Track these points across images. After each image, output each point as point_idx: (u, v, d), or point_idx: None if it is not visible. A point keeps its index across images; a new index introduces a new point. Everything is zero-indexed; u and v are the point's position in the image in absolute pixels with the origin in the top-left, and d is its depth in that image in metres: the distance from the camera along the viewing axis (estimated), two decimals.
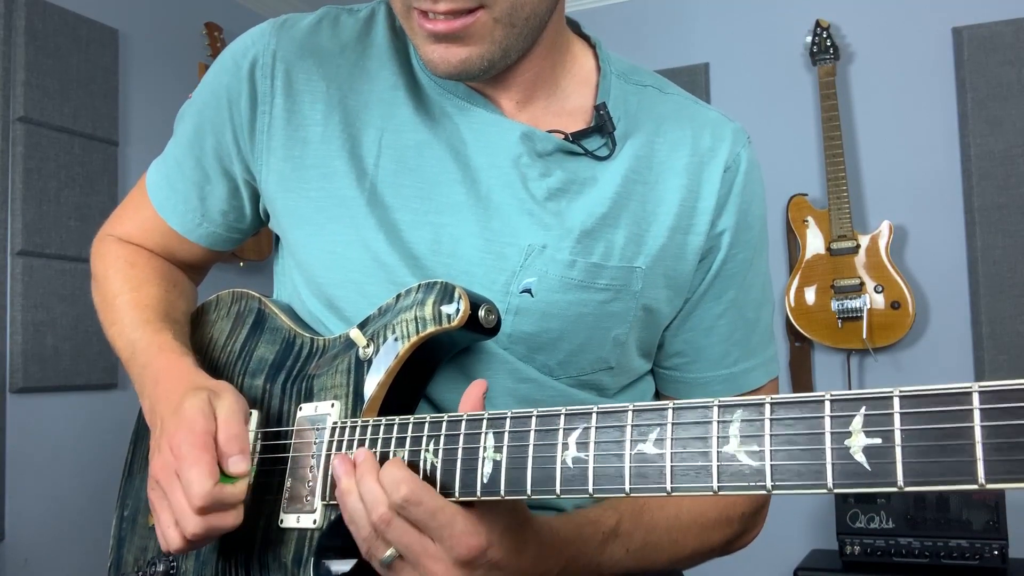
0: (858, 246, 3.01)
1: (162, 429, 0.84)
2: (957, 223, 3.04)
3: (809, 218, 3.10)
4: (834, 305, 2.98)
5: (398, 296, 0.85)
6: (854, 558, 2.66)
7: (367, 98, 0.93)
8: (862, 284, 2.97)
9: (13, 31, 2.63)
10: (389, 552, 0.72)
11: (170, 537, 0.81)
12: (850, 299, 2.96)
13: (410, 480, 0.70)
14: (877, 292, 2.96)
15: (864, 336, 2.94)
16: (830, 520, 2.83)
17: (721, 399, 0.60)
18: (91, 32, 2.84)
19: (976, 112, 3.00)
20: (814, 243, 3.07)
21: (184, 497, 0.79)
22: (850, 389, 3.22)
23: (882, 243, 2.99)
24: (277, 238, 1.03)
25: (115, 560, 1.02)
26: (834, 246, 3.02)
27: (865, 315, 2.95)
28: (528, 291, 0.87)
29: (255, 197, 1.00)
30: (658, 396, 1.02)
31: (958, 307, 3.03)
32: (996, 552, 2.53)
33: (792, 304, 3.07)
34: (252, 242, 3.21)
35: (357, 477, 0.73)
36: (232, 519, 0.80)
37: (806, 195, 3.15)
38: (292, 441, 0.86)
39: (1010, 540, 2.56)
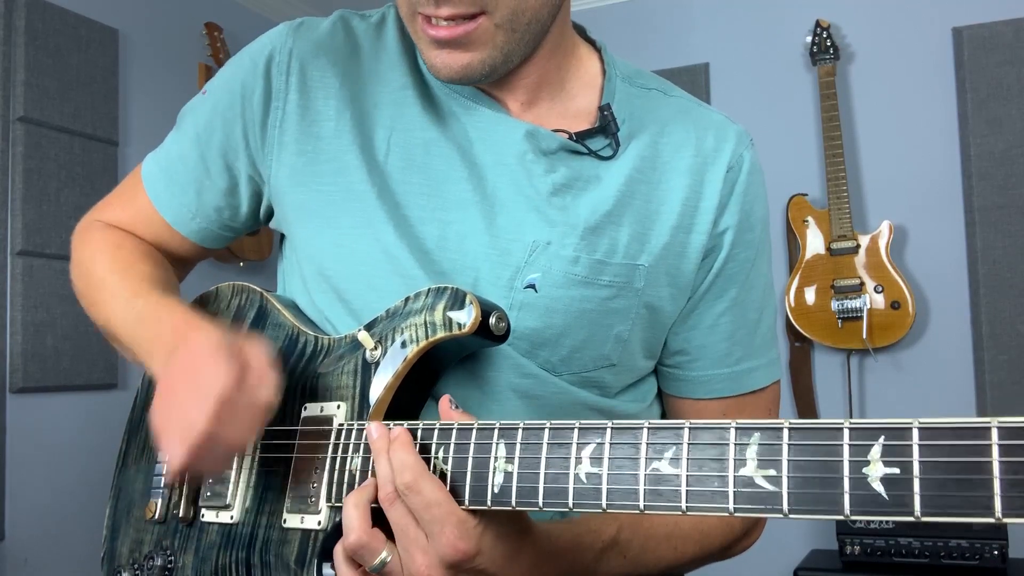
0: (858, 246, 3.01)
1: (177, 352, 0.82)
2: (957, 223, 3.05)
3: (809, 218, 3.10)
4: (834, 305, 2.98)
5: (407, 299, 0.85)
6: (854, 558, 2.67)
7: (377, 99, 0.94)
8: (862, 284, 2.97)
9: (13, 31, 2.62)
10: (380, 559, 0.72)
11: (193, 419, 0.76)
12: (850, 299, 2.96)
13: (415, 467, 0.70)
14: (877, 292, 2.96)
15: (864, 336, 2.94)
16: (830, 520, 2.83)
17: (739, 421, 0.59)
18: (91, 32, 2.84)
19: (976, 112, 3.00)
20: (814, 243, 3.07)
21: (213, 382, 0.76)
22: (849, 389, 3.21)
23: (882, 243, 2.99)
24: (282, 237, 1.03)
25: (108, 551, 1.01)
26: (834, 246, 3.02)
27: (865, 315, 2.95)
28: (532, 286, 0.87)
29: (254, 196, 1.00)
30: (660, 394, 1.02)
31: (958, 307, 3.03)
32: (996, 552, 2.53)
33: (792, 304, 3.07)
34: (252, 242, 3.21)
35: (390, 449, 0.72)
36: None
37: (806, 195, 3.15)
38: (296, 441, 0.86)
39: (1010, 540, 2.56)
